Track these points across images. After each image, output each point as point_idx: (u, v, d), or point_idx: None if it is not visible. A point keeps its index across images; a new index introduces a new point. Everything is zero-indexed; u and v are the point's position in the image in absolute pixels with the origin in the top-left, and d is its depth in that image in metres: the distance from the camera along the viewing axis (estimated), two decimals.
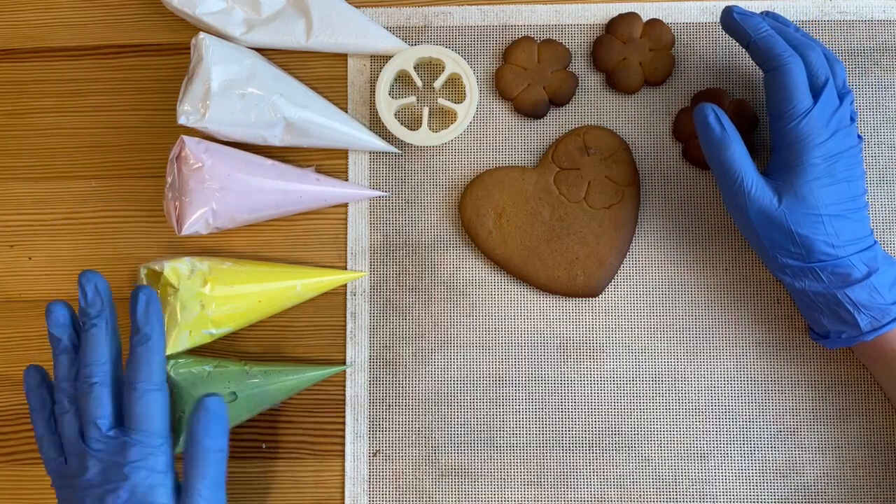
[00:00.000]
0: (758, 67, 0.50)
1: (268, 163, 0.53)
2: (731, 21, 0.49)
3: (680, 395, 0.54)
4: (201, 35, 0.52)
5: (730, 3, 0.56)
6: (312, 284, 0.54)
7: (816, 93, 0.47)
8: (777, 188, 0.47)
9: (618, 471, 0.54)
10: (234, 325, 0.53)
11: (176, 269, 0.51)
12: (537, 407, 0.54)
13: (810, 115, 0.47)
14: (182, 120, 0.51)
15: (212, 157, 0.52)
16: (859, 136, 0.49)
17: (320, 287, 0.54)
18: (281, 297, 0.53)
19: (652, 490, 0.54)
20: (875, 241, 0.48)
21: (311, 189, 0.54)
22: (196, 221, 0.51)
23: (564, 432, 0.54)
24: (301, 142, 0.54)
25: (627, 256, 0.55)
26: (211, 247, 0.56)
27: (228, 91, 0.52)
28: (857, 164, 0.48)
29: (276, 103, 0.52)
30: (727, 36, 0.51)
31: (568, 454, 0.54)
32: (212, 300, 0.51)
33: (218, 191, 0.51)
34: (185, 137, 0.52)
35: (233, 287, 0.52)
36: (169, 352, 0.51)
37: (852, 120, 0.48)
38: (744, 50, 0.51)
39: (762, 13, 0.51)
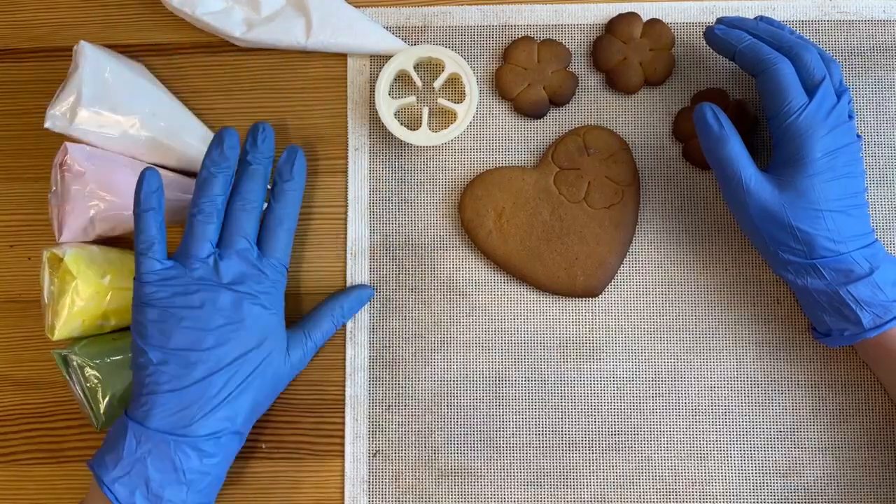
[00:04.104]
0: None
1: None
2: (714, 38, 0.51)
3: (680, 395, 0.54)
4: (82, 43, 0.52)
5: (728, 6, 0.56)
6: None
7: (813, 90, 0.48)
8: (777, 183, 0.48)
9: (617, 471, 0.54)
10: (128, 318, 0.52)
11: (77, 258, 0.51)
12: (537, 407, 0.54)
13: (808, 111, 0.47)
14: (48, 124, 0.51)
15: (95, 164, 0.51)
16: (858, 136, 0.49)
17: None
18: None
19: (651, 490, 0.54)
20: (876, 239, 0.49)
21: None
22: (76, 228, 0.51)
23: (564, 433, 0.54)
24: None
25: (627, 256, 0.55)
26: None
27: (99, 102, 0.51)
28: (857, 161, 0.48)
29: (144, 121, 0.53)
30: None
31: (567, 455, 0.54)
32: (108, 291, 0.51)
33: (100, 198, 0.51)
34: (69, 144, 0.52)
35: (130, 280, 0.52)
36: (57, 337, 0.51)
37: (850, 118, 0.48)
38: None
39: (757, 17, 0.52)
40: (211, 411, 0.47)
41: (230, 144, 0.49)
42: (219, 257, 0.49)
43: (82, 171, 0.51)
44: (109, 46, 0.57)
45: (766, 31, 0.50)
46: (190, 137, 0.54)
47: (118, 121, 0.52)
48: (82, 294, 0.50)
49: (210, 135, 0.55)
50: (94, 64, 0.52)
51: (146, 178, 0.48)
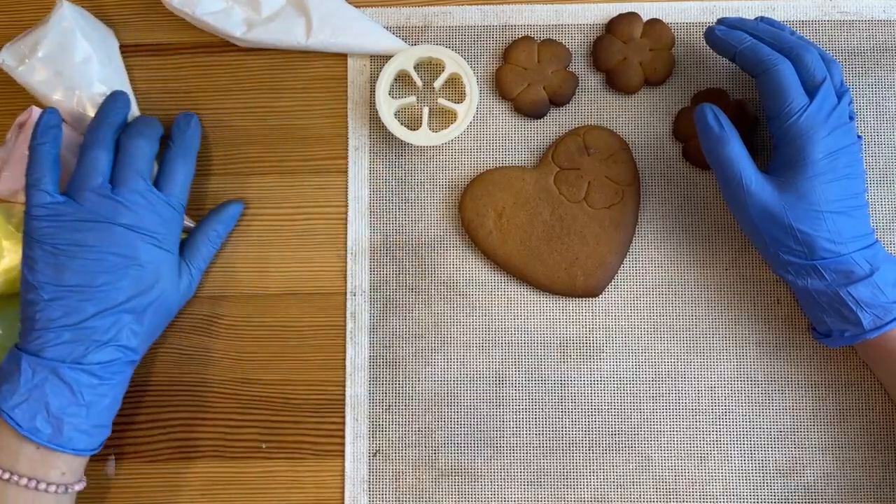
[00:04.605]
0: None
1: None
2: (715, 38, 0.50)
3: (680, 395, 0.54)
4: (66, 4, 0.53)
5: (728, 6, 0.56)
6: None
7: (814, 91, 0.47)
8: (778, 184, 0.48)
9: (618, 471, 0.54)
10: None
11: None
12: (537, 407, 0.54)
13: (808, 112, 0.47)
14: None
15: None
16: (858, 136, 0.49)
17: None
18: None
19: (652, 490, 0.54)
20: (876, 240, 0.49)
21: None
22: (7, 189, 0.52)
23: (564, 432, 0.54)
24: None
25: (627, 256, 0.55)
26: None
27: (51, 63, 0.52)
28: (857, 162, 0.48)
29: (85, 97, 0.53)
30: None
31: (568, 454, 0.54)
32: None
33: None
34: (35, 108, 0.52)
35: None
36: None
37: (851, 118, 0.48)
38: None
39: (757, 18, 0.52)
40: (105, 344, 0.48)
41: (122, 100, 0.52)
42: (113, 194, 0.49)
43: None
44: None
45: (767, 31, 0.50)
46: None
47: (61, 87, 0.53)
48: (3, 247, 0.51)
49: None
50: (63, 26, 0.53)
51: (46, 114, 0.50)
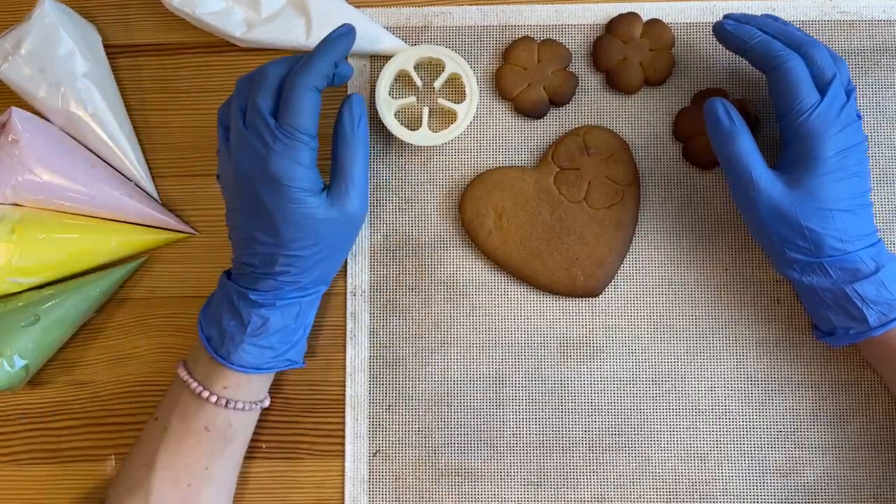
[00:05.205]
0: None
1: (89, 161, 0.54)
2: (724, 32, 0.50)
3: (680, 395, 0.54)
4: (47, 5, 0.53)
5: (728, 6, 0.56)
6: (128, 242, 0.54)
7: (824, 88, 0.47)
8: (787, 182, 0.47)
9: (618, 471, 0.54)
10: (43, 275, 0.53)
11: None
12: (537, 407, 0.54)
13: (819, 109, 0.47)
14: None
15: (31, 135, 0.52)
16: (864, 135, 0.49)
17: (135, 245, 0.55)
18: (94, 250, 0.54)
19: (652, 490, 0.54)
20: (879, 239, 0.49)
21: (119, 201, 0.54)
22: None
23: (564, 433, 0.54)
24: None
25: (627, 256, 0.55)
26: None
27: (32, 61, 0.53)
28: (865, 161, 0.48)
29: (69, 94, 0.53)
30: None
31: (568, 455, 0.54)
32: (18, 248, 0.51)
33: (26, 170, 0.52)
34: (14, 109, 0.53)
35: (41, 236, 0.52)
36: None
37: (858, 117, 0.48)
38: None
39: (764, 15, 0.52)
40: (257, 271, 0.48)
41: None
42: (244, 125, 0.47)
43: (17, 140, 0.52)
44: (108, 47, 0.57)
45: (775, 28, 0.49)
46: (108, 127, 0.55)
47: (45, 83, 0.53)
48: None
49: (129, 134, 0.56)
50: (45, 22, 0.53)
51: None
